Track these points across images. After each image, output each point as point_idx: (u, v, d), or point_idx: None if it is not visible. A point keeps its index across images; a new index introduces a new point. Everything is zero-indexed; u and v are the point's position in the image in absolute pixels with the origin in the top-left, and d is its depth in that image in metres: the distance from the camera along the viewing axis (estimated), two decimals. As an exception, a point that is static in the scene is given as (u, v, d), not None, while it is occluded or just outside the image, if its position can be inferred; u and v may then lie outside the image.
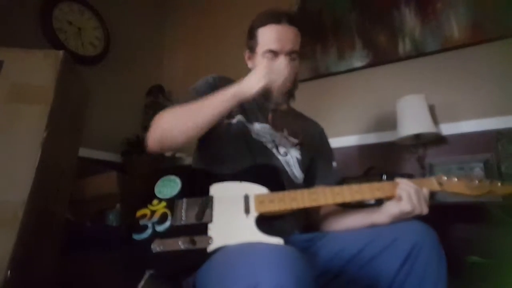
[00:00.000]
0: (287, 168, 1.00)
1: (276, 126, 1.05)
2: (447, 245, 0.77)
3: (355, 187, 0.86)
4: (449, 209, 1.48)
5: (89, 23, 2.20)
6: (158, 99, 2.47)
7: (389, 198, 0.86)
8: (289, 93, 1.05)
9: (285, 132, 1.06)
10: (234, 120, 1.01)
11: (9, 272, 0.75)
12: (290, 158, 1.01)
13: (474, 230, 1.50)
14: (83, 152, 1.54)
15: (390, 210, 0.84)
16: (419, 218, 0.80)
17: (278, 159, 0.99)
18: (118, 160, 2.17)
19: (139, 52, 2.58)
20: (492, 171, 1.53)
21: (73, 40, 2.08)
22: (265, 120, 1.05)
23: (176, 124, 0.89)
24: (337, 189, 0.86)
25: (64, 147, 1.05)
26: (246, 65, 1.09)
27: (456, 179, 0.88)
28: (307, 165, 1.05)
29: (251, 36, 1.05)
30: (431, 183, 0.87)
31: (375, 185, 0.87)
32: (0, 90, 0.91)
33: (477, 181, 0.87)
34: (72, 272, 1.15)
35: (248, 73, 1.08)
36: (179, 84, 2.64)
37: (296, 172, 1.01)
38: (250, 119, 1.03)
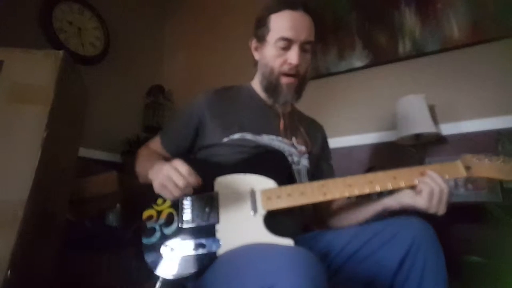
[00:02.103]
0: (297, 177, 0.95)
1: (286, 135, 1.00)
2: (447, 245, 0.77)
3: (370, 176, 0.79)
4: (449, 209, 1.48)
5: (89, 23, 2.20)
6: (158, 99, 2.47)
7: (409, 187, 0.80)
8: (300, 89, 0.98)
9: (294, 141, 1.01)
10: (236, 136, 0.94)
11: (9, 272, 0.75)
12: (301, 167, 0.97)
13: (474, 230, 1.50)
14: (83, 152, 1.54)
15: (403, 200, 0.82)
16: (420, 215, 0.79)
17: (292, 169, 0.94)
18: (118, 160, 2.17)
19: (139, 52, 2.58)
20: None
21: (73, 40, 2.07)
22: (275, 131, 0.98)
23: (138, 173, 0.99)
24: (349, 179, 0.80)
25: (64, 147, 1.05)
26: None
27: (487, 161, 0.77)
28: (313, 173, 1.02)
29: (262, 23, 0.96)
30: (457, 169, 0.79)
31: (391, 172, 0.79)
32: (0, 90, 0.90)
33: None
34: (72, 272, 1.15)
35: (251, 66, 1.04)
36: (179, 84, 2.64)
37: (304, 181, 0.97)
38: (256, 131, 0.96)
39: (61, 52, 0.98)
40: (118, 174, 1.54)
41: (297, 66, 0.93)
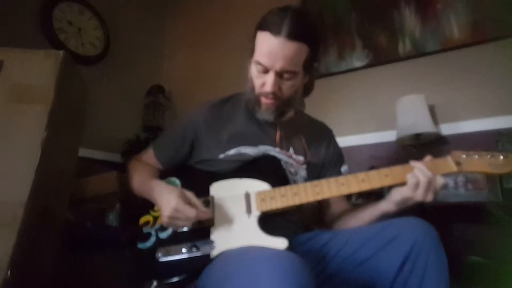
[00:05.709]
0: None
1: (283, 146, 0.98)
2: (447, 245, 0.77)
3: (361, 175, 0.81)
4: (449, 209, 1.48)
5: (89, 23, 2.20)
6: (158, 99, 2.47)
7: (401, 185, 0.80)
8: (282, 110, 0.94)
9: (291, 151, 0.99)
10: (231, 152, 0.94)
11: (9, 272, 0.75)
12: (298, 178, 0.96)
13: (474, 230, 1.50)
14: (83, 152, 1.53)
15: (393, 196, 0.82)
16: (420, 215, 0.79)
17: (288, 179, 0.93)
18: (118, 160, 2.17)
19: (139, 52, 2.57)
20: (492, 171, 1.53)
21: (73, 40, 2.07)
22: (271, 142, 0.98)
23: (134, 188, 1.00)
24: (342, 179, 0.82)
25: (64, 147, 1.05)
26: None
27: (476, 156, 0.79)
28: None
29: (254, 35, 0.91)
30: (448, 165, 0.80)
31: (384, 170, 0.81)
32: (0, 90, 0.90)
33: (501, 157, 0.78)
34: (72, 272, 1.15)
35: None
36: (179, 84, 2.64)
37: None
38: (253, 143, 0.96)
39: (61, 52, 0.97)
40: (118, 174, 1.54)
41: (273, 93, 0.88)
